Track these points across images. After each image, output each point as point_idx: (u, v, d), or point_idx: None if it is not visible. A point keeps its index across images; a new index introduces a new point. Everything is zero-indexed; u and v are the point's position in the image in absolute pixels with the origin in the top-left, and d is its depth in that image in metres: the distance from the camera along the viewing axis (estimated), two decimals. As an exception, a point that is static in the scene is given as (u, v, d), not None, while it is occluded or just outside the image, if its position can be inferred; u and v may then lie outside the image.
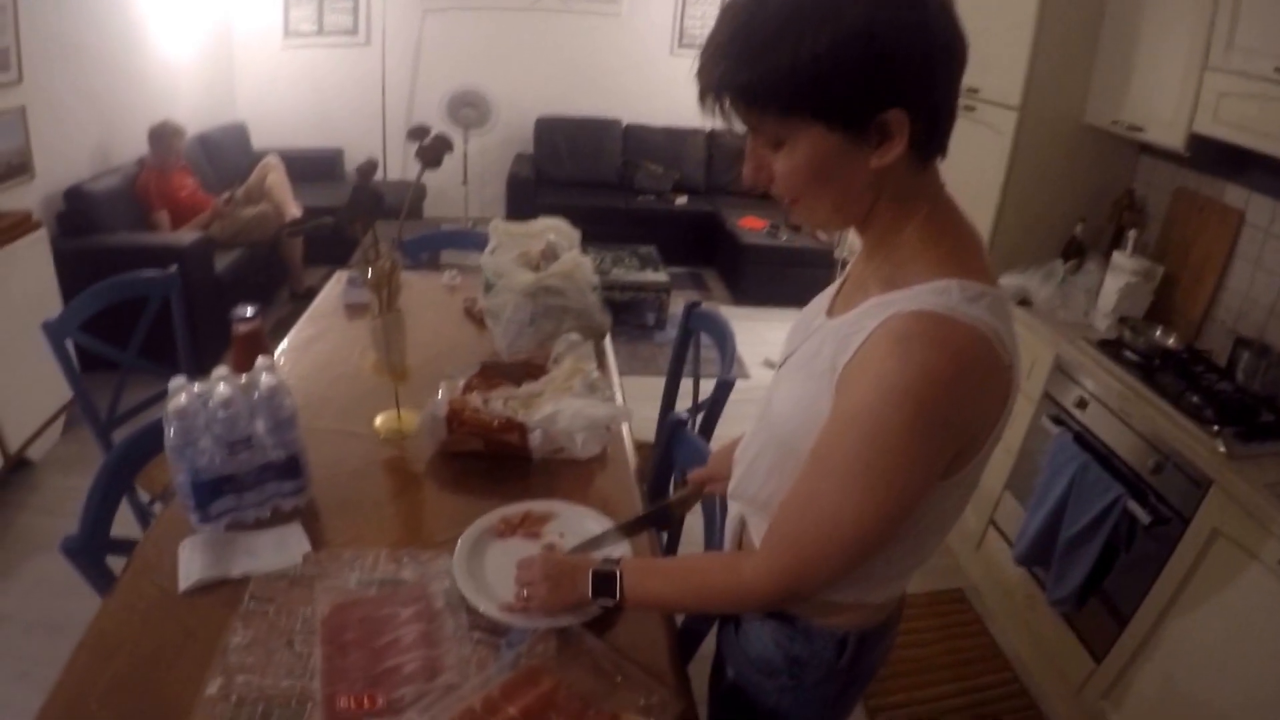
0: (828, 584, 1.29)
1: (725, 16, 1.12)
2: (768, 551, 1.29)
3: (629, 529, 1.86)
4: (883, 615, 1.50)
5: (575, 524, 1.91)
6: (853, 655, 1.48)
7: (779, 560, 1.27)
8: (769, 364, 5.83)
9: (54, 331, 2.68)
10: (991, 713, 3.11)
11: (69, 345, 2.79)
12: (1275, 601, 2.26)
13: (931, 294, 1.11)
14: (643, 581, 1.47)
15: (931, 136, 1.14)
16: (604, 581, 1.48)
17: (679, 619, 1.77)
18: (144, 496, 2.66)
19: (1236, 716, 2.37)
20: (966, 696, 3.16)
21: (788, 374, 1.39)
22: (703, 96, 1.17)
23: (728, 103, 1.14)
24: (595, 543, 1.81)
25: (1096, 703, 2.87)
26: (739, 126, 1.18)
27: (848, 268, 1.44)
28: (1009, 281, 3.55)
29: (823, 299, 1.44)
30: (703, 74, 1.15)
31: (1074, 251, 3.71)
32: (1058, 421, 3.15)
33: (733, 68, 1.10)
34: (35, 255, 4.10)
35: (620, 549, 1.82)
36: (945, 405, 1.10)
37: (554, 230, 2.90)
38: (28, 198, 4.50)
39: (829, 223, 1.28)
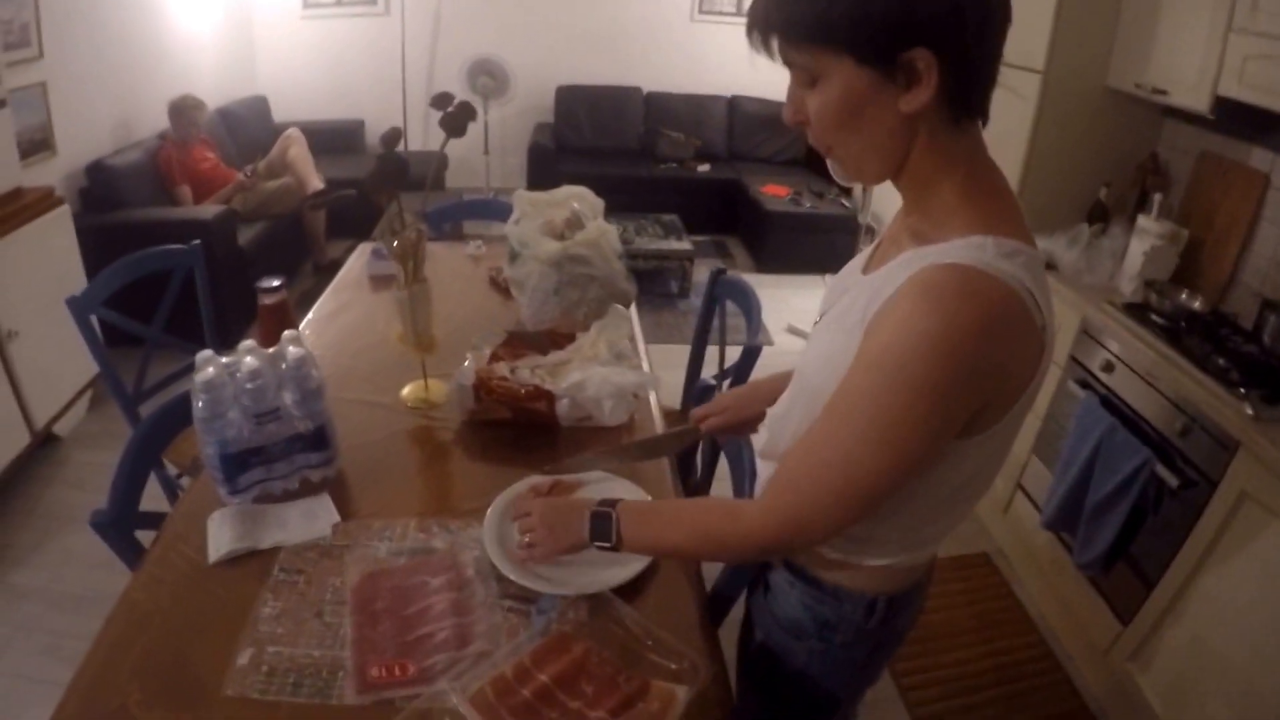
0: (829, 534, 1.28)
1: None
2: (770, 496, 1.28)
3: (628, 454, 1.92)
4: (912, 579, 1.50)
5: (605, 491, 1.90)
6: (882, 618, 1.48)
7: (780, 504, 1.26)
8: (793, 330, 5.84)
9: (79, 307, 2.69)
10: (1017, 676, 3.11)
11: (94, 321, 2.79)
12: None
13: (965, 248, 1.11)
14: (640, 524, 1.47)
15: (964, 91, 1.13)
16: (601, 523, 1.49)
17: (709, 584, 1.77)
18: (172, 470, 2.67)
19: (1264, 679, 2.36)
20: (992, 660, 3.16)
21: (821, 330, 1.39)
22: (750, 32, 1.18)
23: (772, 40, 1.15)
24: (588, 464, 1.89)
25: (1123, 665, 2.86)
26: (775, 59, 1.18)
27: (885, 228, 1.43)
28: (1033, 245, 3.50)
29: (860, 258, 1.44)
30: (751, 10, 1.17)
31: (1098, 215, 3.68)
32: (1084, 385, 3.14)
33: (774, 5, 1.13)
34: (58, 231, 4.11)
35: (621, 487, 1.87)
36: (969, 357, 1.08)
37: (578, 199, 2.89)
38: (50, 174, 4.51)
39: (862, 171, 1.23)
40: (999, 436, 1.22)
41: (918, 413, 1.10)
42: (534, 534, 1.59)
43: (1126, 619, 2.85)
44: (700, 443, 2.41)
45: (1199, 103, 2.97)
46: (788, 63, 1.17)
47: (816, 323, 1.45)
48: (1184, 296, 3.15)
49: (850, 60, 1.09)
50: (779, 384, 1.62)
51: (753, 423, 1.74)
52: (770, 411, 1.55)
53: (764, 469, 1.58)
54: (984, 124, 1.20)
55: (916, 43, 1.06)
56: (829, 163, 1.25)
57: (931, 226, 1.19)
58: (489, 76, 7.24)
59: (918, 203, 1.24)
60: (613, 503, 1.51)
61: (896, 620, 1.52)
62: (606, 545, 1.49)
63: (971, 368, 1.09)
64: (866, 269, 1.35)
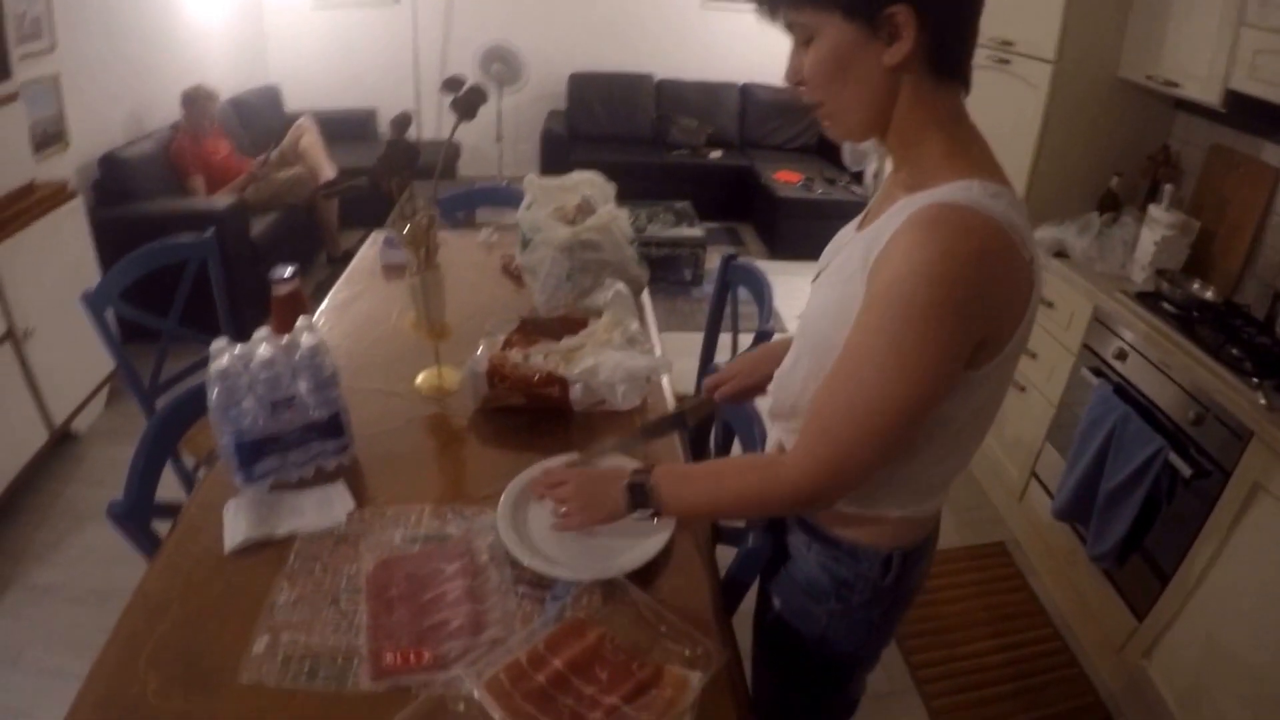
0: (866, 475, 1.32)
1: None
2: (804, 446, 1.33)
3: (645, 434, 1.96)
4: (925, 532, 1.58)
5: None
6: (897, 574, 1.55)
7: (816, 452, 1.31)
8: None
9: (93, 302, 2.69)
10: (1032, 670, 3.11)
11: (109, 315, 2.79)
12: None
13: (954, 190, 1.20)
14: (678, 489, 1.53)
15: (943, 49, 1.22)
16: (639, 493, 1.54)
17: (721, 570, 1.77)
18: (188, 461, 2.68)
19: (1279, 678, 2.36)
20: (1006, 654, 3.16)
21: (820, 285, 1.48)
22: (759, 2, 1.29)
23: (778, 4, 1.26)
24: (610, 448, 1.92)
25: (1138, 661, 2.86)
26: (776, 22, 1.29)
27: (875, 198, 1.53)
28: (1045, 234, 3.52)
29: (854, 222, 1.55)
30: None
31: (1109, 204, 3.67)
32: (1097, 373, 3.13)
33: None
34: (72, 225, 4.13)
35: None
36: (968, 284, 1.16)
37: (589, 184, 2.89)
38: (63, 167, 4.51)
39: (849, 125, 1.32)
40: (997, 374, 1.29)
41: (931, 337, 1.18)
42: (569, 505, 1.64)
43: (1141, 614, 2.85)
44: (714, 417, 2.42)
45: (1210, 96, 2.97)
46: (788, 25, 1.27)
47: (815, 280, 1.53)
48: (1196, 286, 3.14)
49: (839, 16, 1.20)
50: (785, 346, 1.69)
51: (763, 385, 1.78)
52: (776, 371, 1.61)
53: (773, 430, 1.66)
54: (966, 92, 1.29)
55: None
56: (824, 124, 1.34)
57: (921, 176, 1.28)
58: (502, 63, 7.26)
59: (905, 158, 1.33)
60: (647, 470, 1.56)
61: (910, 575, 1.59)
62: (645, 513, 1.55)
63: (973, 293, 1.17)
64: (861, 227, 1.47)
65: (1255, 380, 2.51)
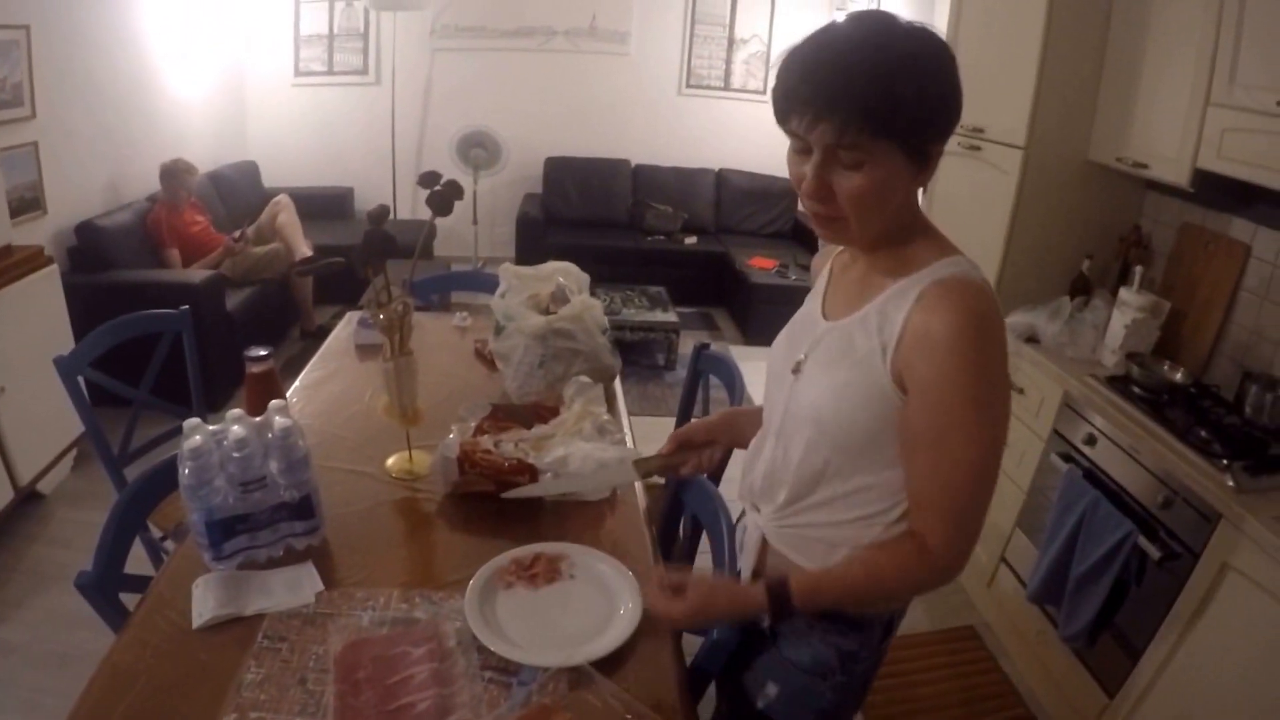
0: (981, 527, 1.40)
1: (835, 47, 1.27)
2: (938, 532, 1.38)
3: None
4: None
5: (586, 565, 1.92)
6: (886, 633, 1.64)
7: (957, 533, 1.37)
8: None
9: (66, 368, 2.70)
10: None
11: (80, 381, 2.79)
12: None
13: (950, 266, 1.36)
14: (815, 591, 1.49)
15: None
16: (778, 593, 1.48)
17: (688, 657, 1.77)
18: (156, 533, 2.67)
19: None
20: (982, 735, 3.15)
21: (812, 374, 1.52)
22: (811, 114, 1.27)
23: (837, 124, 1.25)
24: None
25: (1110, 740, 2.85)
26: (813, 137, 1.29)
27: (821, 284, 1.66)
28: (1017, 319, 3.55)
29: (808, 315, 1.64)
30: (814, 94, 1.26)
31: (1081, 288, 3.71)
32: (1067, 459, 3.15)
33: (858, 94, 1.22)
34: (47, 290, 4.12)
35: (604, 562, 1.93)
36: (998, 334, 1.34)
37: (563, 274, 2.92)
38: (39, 233, 4.55)
39: (865, 237, 1.40)
40: None
41: (999, 394, 1.34)
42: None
43: (1112, 691, 2.84)
44: (677, 491, 2.40)
45: (1179, 176, 3.03)
46: (835, 145, 1.27)
47: (796, 369, 1.56)
48: (1166, 368, 3.18)
49: (899, 149, 1.28)
50: (746, 416, 1.81)
51: (724, 450, 1.89)
52: (754, 458, 1.67)
53: (755, 522, 1.68)
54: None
55: (944, 138, 1.32)
56: (820, 225, 1.41)
57: (901, 263, 1.41)
58: (482, 148, 7.33)
59: (884, 250, 1.44)
60: (783, 582, 1.48)
61: (895, 630, 1.68)
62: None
63: (999, 344, 1.34)
64: (829, 314, 1.56)
65: (1224, 462, 2.54)
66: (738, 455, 1.88)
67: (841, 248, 1.63)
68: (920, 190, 1.44)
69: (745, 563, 1.74)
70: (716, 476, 2.31)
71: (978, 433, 1.31)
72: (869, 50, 1.24)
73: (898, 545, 1.45)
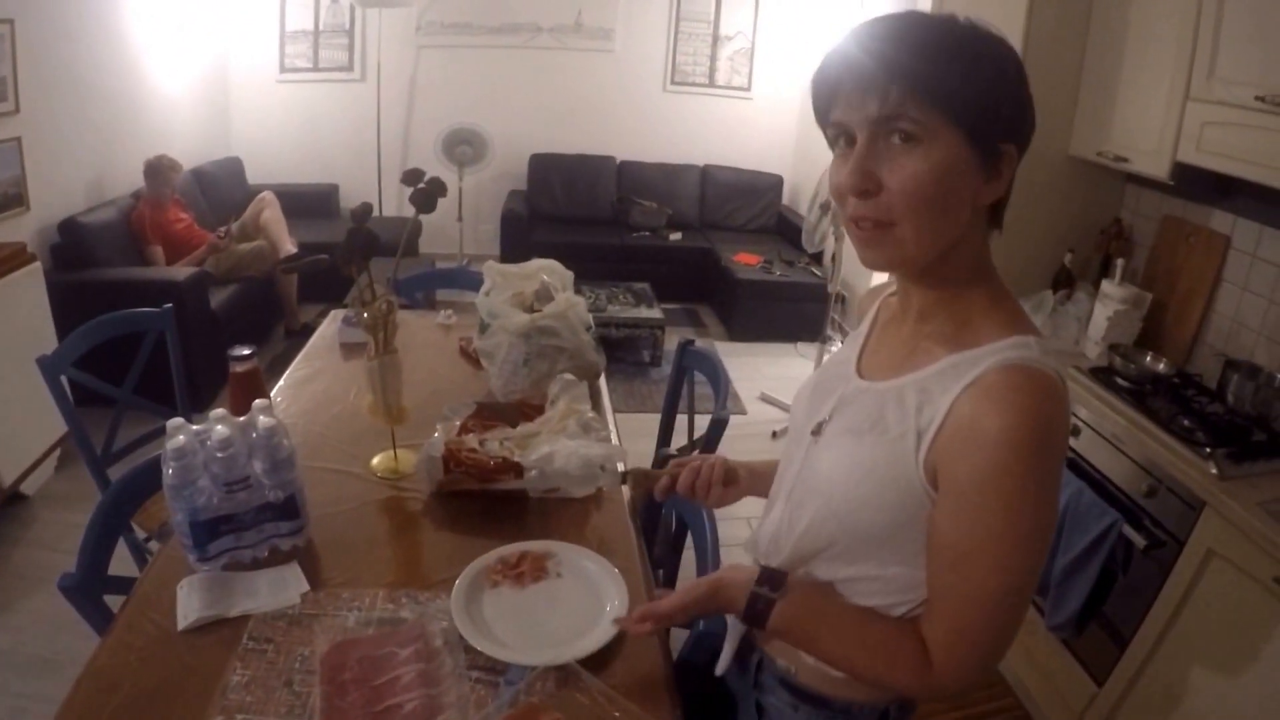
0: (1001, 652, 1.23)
1: (901, 19, 1.14)
2: (955, 651, 1.21)
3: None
4: None
5: (572, 562, 1.92)
6: None
7: (969, 657, 1.20)
8: (766, 399, 5.89)
9: (49, 367, 2.70)
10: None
11: (64, 380, 2.79)
12: (1272, 618, 2.29)
13: (1016, 348, 1.15)
14: (802, 621, 1.35)
15: (1007, 198, 1.20)
16: (759, 605, 1.34)
17: (674, 652, 1.77)
18: (140, 534, 2.66)
19: None
20: (969, 726, 3.17)
21: (834, 441, 1.34)
22: (868, 79, 1.11)
23: (895, 91, 1.09)
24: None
25: (1100, 726, 2.88)
26: (861, 115, 1.13)
27: (863, 329, 1.46)
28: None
29: (842, 364, 1.44)
30: (872, 56, 1.11)
31: (1063, 281, 3.75)
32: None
33: (920, 58, 1.09)
34: (30, 288, 4.12)
35: (589, 559, 1.92)
36: (1056, 446, 1.13)
37: (548, 271, 2.91)
38: (22, 230, 4.54)
39: (914, 257, 1.18)
40: None
41: (1042, 514, 1.13)
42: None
43: (1101, 680, 2.87)
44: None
45: (1159, 169, 3.07)
46: (894, 117, 1.10)
47: (817, 430, 1.39)
48: (1149, 359, 3.23)
49: (963, 135, 1.10)
50: (755, 475, 1.67)
51: (726, 494, 1.70)
52: (764, 526, 1.50)
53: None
54: (999, 233, 1.24)
55: (1012, 139, 1.14)
56: (863, 237, 1.18)
57: (959, 329, 1.22)
58: (468, 145, 7.33)
59: (941, 304, 1.25)
60: (777, 582, 1.36)
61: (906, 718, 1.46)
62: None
63: (1057, 455, 1.13)
64: (865, 373, 1.36)
65: (1207, 450, 2.58)
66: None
67: (892, 289, 1.40)
68: (993, 224, 1.23)
69: (734, 621, 1.54)
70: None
71: (1011, 559, 1.13)
72: (931, 24, 1.12)
73: (903, 635, 1.27)
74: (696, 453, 2.36)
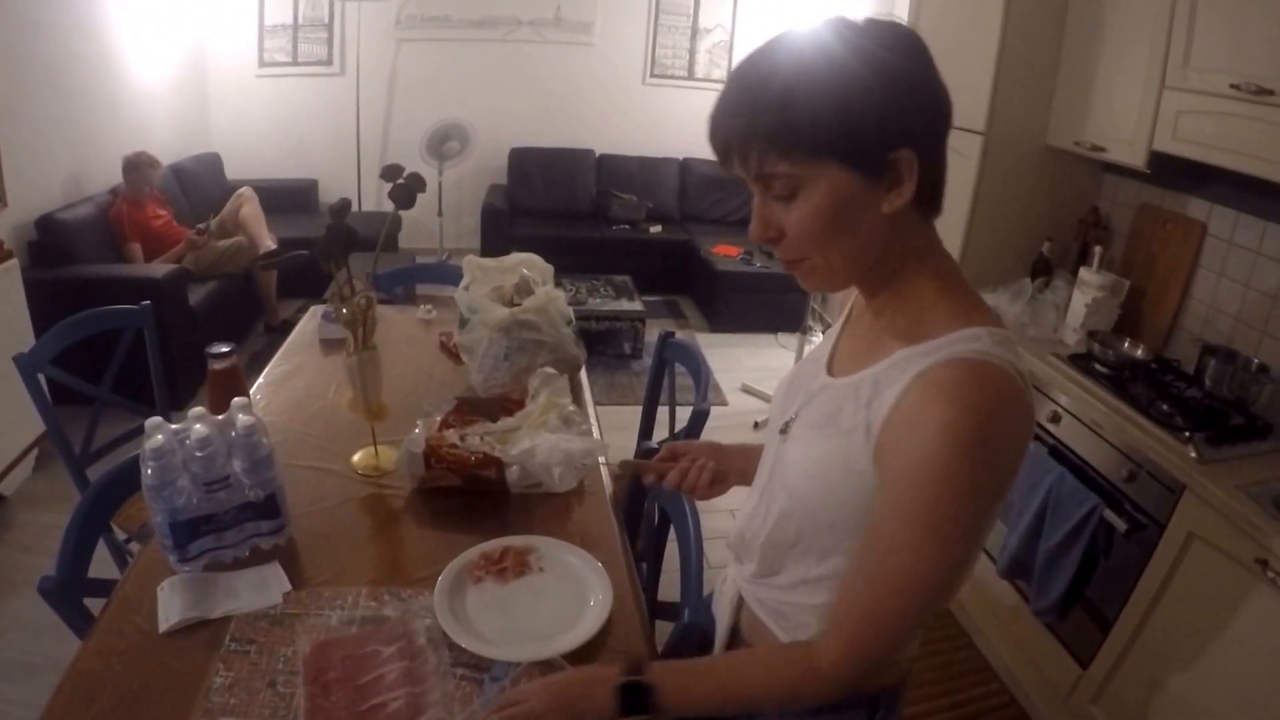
0: (900, 652, 1.24)
1: (740, 76, 1.13)
2: (842, 635, 1.21)
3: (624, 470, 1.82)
4: (907, 668, 1.45)
5: (555, 557, 1.92)
6: (885, 712, 1.43)
7: (859, 644, 1.20)
8: (747, 390, 5.89)
9: (26, 366, 2.67)
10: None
11: (41, 379, 2.77)
12: (1252, 597, 2.32)
13: (965, 341, 1.13)
14: (685, 687, 1.32)
15: (934, 189, 1.17)
16: (635, 694, 1.31)
17: (658, 646, 1.77)
18: (120, 535, 2.65)
19: (1223, 712, 2.42)
20: (958, 710, 3.21)
21: (799, 436, 1.35)
22: (724, 150, 1.15)
23: (751, 154, 1.12)
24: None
25: (1085, 707, 2.90)
26: (746, 177, 1.16)
27: (838, 326, 1.45)
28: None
29: (814, 361, 1.43)
30: (720, 129, 1.15)
31: (1042, 269, 3.77)
32: (1033, 437, 3.16)
33: (756, 117, 1.10)
34: (6, 285, 4.08)
35: (573, 553, 1.91)
36: (998, 445, 1.09)
37: (527, 265, 2.91)
38: (-1, 227, 4.49)
39: (836, 278, 1.22)
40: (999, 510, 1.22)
41: (969, 513, 1.11)
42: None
43: (1085, 662, 2.90)
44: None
45: (1136, 158, 3.09)
46: (765, 175, 1.13)
47: (784, 429, 1.39)
48: (1126, 345, 3.26)
49: (836, 166, 1.09)
50: (749, 455, 1.65)
51: (721, 479, 1.71)
52: (741, 522, 1.50)
53: (733, 579, 1.55)
54: (939, 215, 1.22)
55: (902, 144, 1.09)
56: (801, 269, 1.21)
57: (912, 323, 1.21)
58: (456, 141, 7.33)
59: (891, 300, 1.24)
60: (638, 667, 1.33)
61: (896, 709, 1.45)
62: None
63: (1000, 453, 1.10)
64: (835, 370, 1.35)
65: (1186, 434, 2.60)
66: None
67: None
68: (929, 212, 1.21)
69: (721, 618, 1.59)
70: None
71: (929, 552, 1.12)
72: (774, 64, 1.11)
73: (798, 648, 1.31)
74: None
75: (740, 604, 1.51)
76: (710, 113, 1.16)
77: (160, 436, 1.70)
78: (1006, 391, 1.10)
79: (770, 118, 1.09)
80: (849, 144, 1.08)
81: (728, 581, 1.59)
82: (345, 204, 2.09)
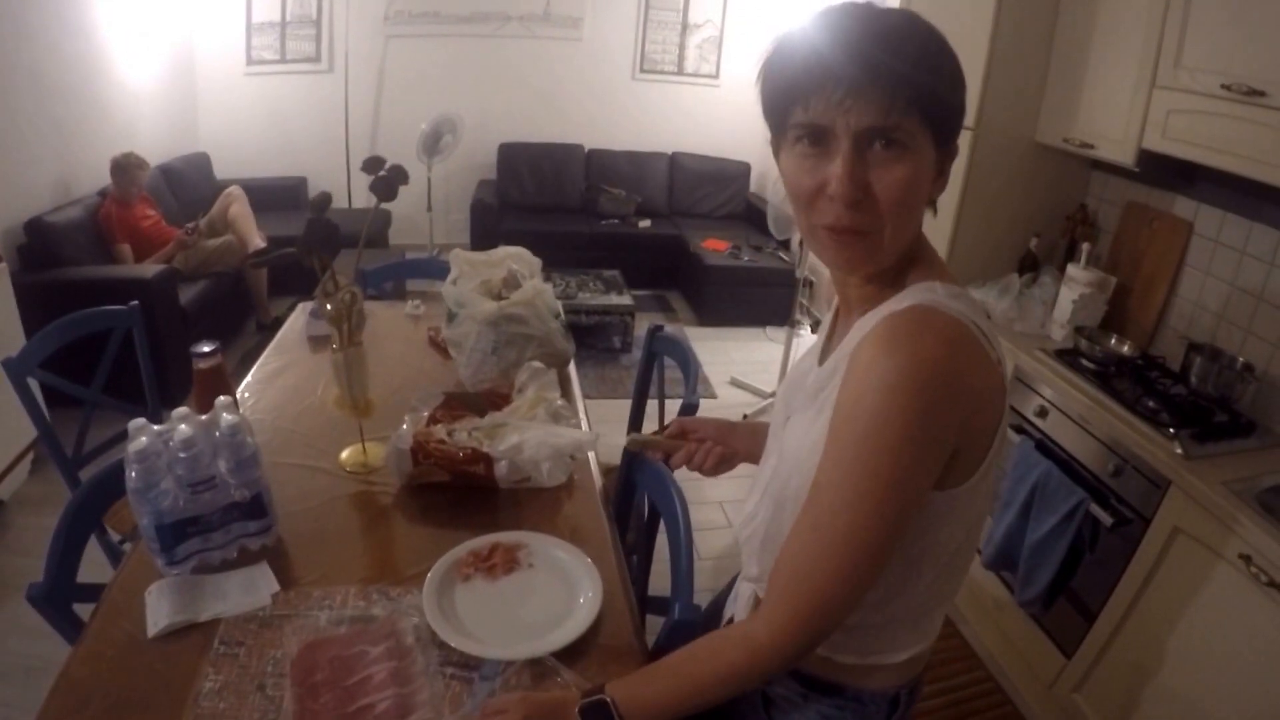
0: (846, 616, 1.18)
1: (897, 30, 1.07)
2: (781, 602, 1.19)
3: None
4: (926, 660, 1.43)
5: (544, 553, 1.92)
6: (904, 710, 1.42)
7: (793, 609, 1.17)
8: (736, 383, 5.91)
9: (15, 370, 2.66)
10: (968, 711, 3.18)
11: (32, 383, 2.75)
12: (1236, 593, 2.34)
13: (915, 292, 1.13)
14: (640, 693, 1.32)
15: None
16: (598, 714, 1.31)
17: (649, 642, 1.76)
18: (114, 536, 2.64)
19: (1204, 703, 2.45)
20: (944, 697, 3.23)
21: (793, 428, 1.34)
22: (867, 87, 1.04)
23: (897, 107, 1.05)
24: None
25: (1069, 696, 2.93)
26: (848, 122, 1.06)
27: (828, 320, 1.43)
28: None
29: (810, 355, 1.43)
30: (883, 68, 1.04)
31: (1029, 265, 3.79)
32: (1019, 430, 3.21)
33: (932, 76, 1.07)
34: (-4, 289, 4.06)
35: (561, 548, 1.92)
36: (937, 389, 1.05)
37: (515, 259, 2.91)
38: (-13, 230, 4.47)
39: (887, 256, 1.16)
40: (979, 491, 1.19)
41: (905, 460, 1.07)
42: None
43: (1069, 652, 2.94)
44: (630, 473, 2.33)
45: (1124, 156, 3.10)
46: (884, 131, 1.06)
47: (786, 423, 1.39)
48: (1113, 341, 3.28)
49: (932, 139, 1.09)
50: (759, 430, 1.64)
51: (727, 458, 1.72)
52: (748, 511, 1.48)
53: (747, 586, 1.53)
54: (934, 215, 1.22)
55: (958, 136, 1.14)
56: (840, 244, 1.15)
57: (880, 291, 1.20)
58: (451, 135, 7.33)
59: (876, 277, 1.22)
60: (596, 688, 1.34)
61: (914, 704, 1.46)
62: None
63: (942, 396, 1.06)
64: (824, 360, 1.32)
65: (1171, 430, 2.64)
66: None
67: None
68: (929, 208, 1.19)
69: (730, 610, 1.61)
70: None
71: (866, 506, 1.08)
72: (906, 23, 1.08)
73: (738, 628, 1.30)
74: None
75: (756, 604, 1.45)
76: (808, 50, 1.08)
77: (144, 438, 1.69)
78: (955, 338, 1.08)
79: (932, 76, 1.07)
80: (952, 122, 1.12)
81: (743, 591, 1.56)
82: (326, 198, 2.07)
